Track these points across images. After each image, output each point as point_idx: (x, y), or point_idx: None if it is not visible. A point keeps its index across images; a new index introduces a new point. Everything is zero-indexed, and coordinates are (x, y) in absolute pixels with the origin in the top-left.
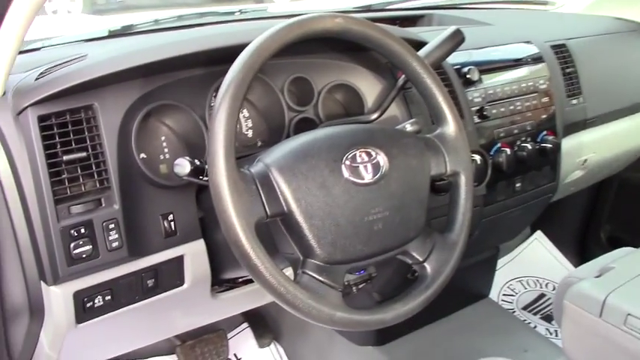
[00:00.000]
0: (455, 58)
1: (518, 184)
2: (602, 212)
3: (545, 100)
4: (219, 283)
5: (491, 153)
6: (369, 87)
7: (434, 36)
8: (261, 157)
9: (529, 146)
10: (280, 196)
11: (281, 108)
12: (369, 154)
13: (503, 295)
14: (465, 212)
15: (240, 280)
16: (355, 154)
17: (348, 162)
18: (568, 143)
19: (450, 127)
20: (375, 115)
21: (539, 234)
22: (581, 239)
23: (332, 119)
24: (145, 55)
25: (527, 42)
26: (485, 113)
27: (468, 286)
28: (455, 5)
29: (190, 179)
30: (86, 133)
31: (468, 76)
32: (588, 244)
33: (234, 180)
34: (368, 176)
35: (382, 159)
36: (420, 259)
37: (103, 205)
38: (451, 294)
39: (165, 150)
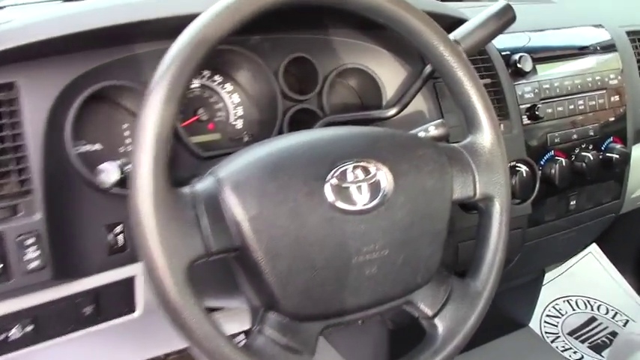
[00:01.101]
0: (503, 42)
1: (573, 202)
2: None
3: (615, 98)
4: None
5: (542, 162)
6: (390, 74)
7: (477, 12)
8: (214, 168)
9: (590, 156)
10: (233, 225)
11: (274, 95)
12: (366, 171)
13: (547, 316)
14: (496, 252)
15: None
16: (346, 169)
17: (334, 180)
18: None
19: (485, 135)
20: (393, 111)
21: (594, 247)
22: None
23: (341, 112)
24: (87, 20)
25: (598, 25)
26: (537, 113)
27: (504, 313)
28: None
29: (119, 192)
30: (3, 119)
31: (518, 65)
32: None
33: (162, 203)
34: (362, 200)
35: (384, 177)
36: (430, 314)
37: (21, 213)
38: (484, 320)
39: (128, 141)
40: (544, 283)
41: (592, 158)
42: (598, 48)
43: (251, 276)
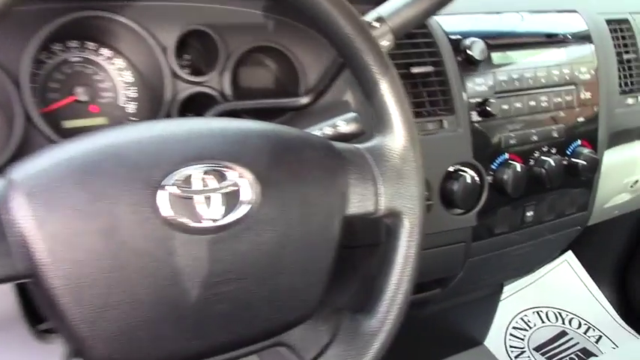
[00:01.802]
0: (453, 23)
1: (530, 212)
2: None
3: (585, 96)
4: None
5: (494, 167)
6: (312, 56)
7: None
8: (10, 168)
9: (552, 161)
10: (21, 245)
11: (160, 75)
12: (221, 177)
13: (514, 328)
14: (400, 283)
15: None
16: (192, 174)
17: (173, 189)
18: (613, 158)
19: (395, 136)
20: (305, 100)
21: (570, 255)
22: (622, 269)
23: (251, 99)
24: None
25: (571, 11)
26: (489, 109)
27: (457, 330)
28: None
29: None
30: None
31: (469, 52)
32: (630, 276)
33: None
34: (212, 216)
35: (247, 187)
36: (307, 359)
37: None
38: (434, 338)
39: None
40: (514, 292)
41: (554, 164)
42: (569, 37)
43: (50, 310)
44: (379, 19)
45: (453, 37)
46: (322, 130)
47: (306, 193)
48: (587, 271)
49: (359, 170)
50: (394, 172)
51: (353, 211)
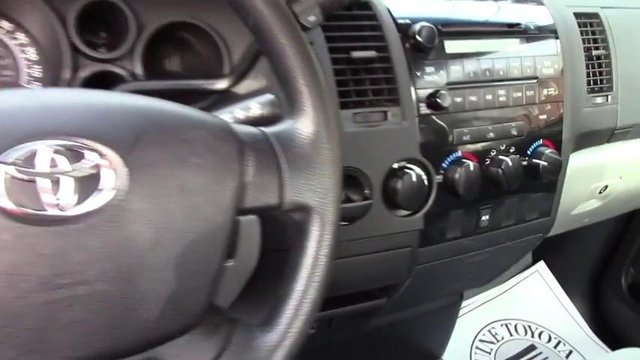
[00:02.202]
0: (402, 7)
1: (485, 217)
2: (628, 251)
3: (548, 92)
4: None
5: (444, 165)
6: (238, 34)
7: None
8: None
9: (509, 161)
10: None
11: (60, 50)
12: (77, 157)
13: (481, 341)
14: (306, 290)
15: None
16: (37, 152)
17: (10, 168)
18: (580, 160)
19: (307, 119)
20: (224, 83)
21: (541, 265)
22: (595, 280)
23: (168, 80)
24: None
25: (537, 1)
26: (439, 101)
27: (413, 343)
28: None
29: None
30: None
31: (417, 37)
32: (603, 288)
33: None
34: (61, 203)
35: (111, 170)
36: None
37: None
38: (385, 352)
39: None
40: (481, 303)
41: (511, 164)
42: (532, 28)
43: None
44: None
45: (401, 21)
46: (233, 113)
47: (187, 180)
48: (559, 281)
49: (260, 156)
50: (304, 160)
51: (250, 203)
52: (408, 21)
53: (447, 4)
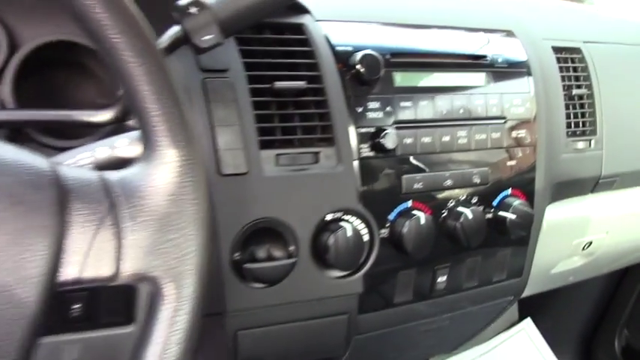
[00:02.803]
0: (344, 33)
1: (442, 278)
2: (621, 311)
3: (519, 134)
4: None
5: (391, 217)
6: None
7: None
8: None
9: (469, 213)
10: None
11: None
12: None
13: None
14: None
15: None
16: None
17: None
18: (559, 213)
19: (162, 163)
20: (107, 115)
21: (528, 323)
22: (587, 341)
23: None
24: None
25: (507, 32)
26: (384, 142)
27: None
28: None
29: None
30: None
31: (359, 67)
32: (595, 349)
33: None
34: None
35: None
36: None
37: None
38: None
39: None
40: None
41: (472, 217)
42: (500, 61)
43: None
44: (197, 4)
45: (340, 48)
46: (94, 151)
47: None
48: (547, 341)
49: (90, 211)
50: (154, 215)
51: (70, 275)
52: (349, 48)
53: (400, 30)
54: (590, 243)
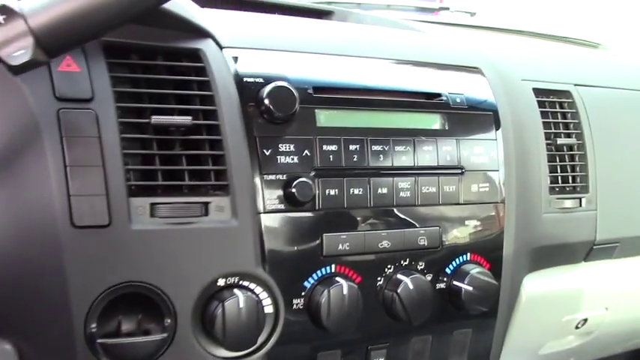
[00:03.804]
0: (257, 62)
1: None
2: None
3: (481, 188)
4: None
5: (306, 285)
6: None
7: None
8: None
9: (409, 283)
10: None
11: None
12: None
13: None
14: None
15: None
16: None
17: None
18: (542, 284)
19: None
20: None
21: None
22: None
23: None
24: None
25: (472, 70)
26: (296, 193)
27: None
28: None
29: None
30: None
31: (267, 103)
32: None
33: None
34: None
35: None
36: None
37: None
38: None
39: None
40: None
41: (412, 287)
42: (457, 101)
43: None
44: (4, 10)
45: (248, 79)
46: None
47: None
48: None
49: None
50: None
51: None
52: (259, 79)
53: (328, 60)
54: (586, 320)
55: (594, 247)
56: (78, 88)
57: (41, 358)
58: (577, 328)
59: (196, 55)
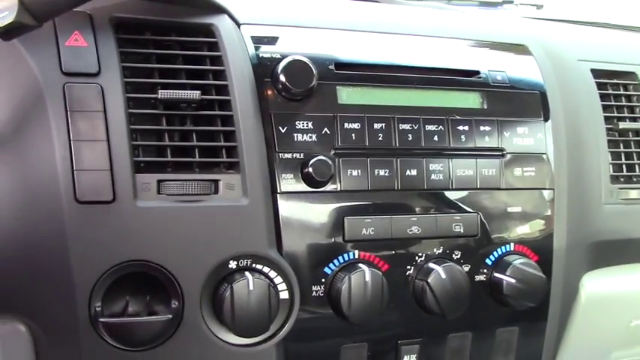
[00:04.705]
0: (273, 37)
1: (408, 359)
2: None
3: (526, 172)
4: None
5: (327, 271)
6: None
7: None
8: None
9: (441, 272)
10: None
11: None
12: None
13: None
14: None
15: None
16: None
17: None
18: (606, 284)
19: None
20: None
21: None
22: None
23: None
24: None
25: (518, 48)
26: (313, 173)
27: None
28: None
29: None
30: None
31: (282, 78)
32: None
33: None
34: None
35: None
36: None
37: None
38: None
39: None
40: None
41: (445, 276)
42: (499, 79)
43: None
44: None
45: (265, 54)
46: None
47: None
48: None
49: None
50: None
51: None
52: (276, 55)
53: (352, 36)
54: None
55: None
56: (85, 63)
57: (49, 337)
58: None
59: (209, 31)
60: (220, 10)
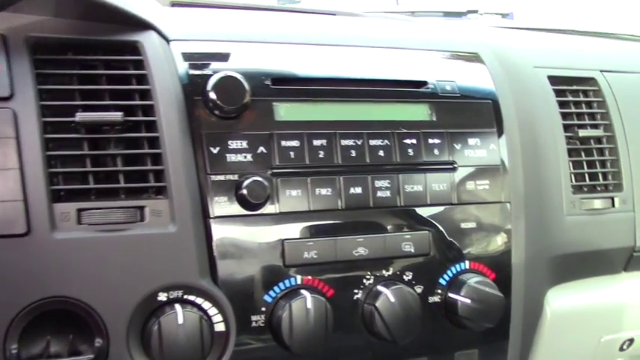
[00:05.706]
0: (206, 57)
1: None
2: None
3: (479, 186)
4: None
5: (267, 298)
6: None
7: None
8: None
9: (389, 295)
10: None
11: None
12: None
13: None
14: None
15: None
16: None
17: None
18: (574, 299)
19: None
20: None
21: None
22: None
23: None
24: None
25: (469, 56)
26: (247, 195)
27: None
28: None
29: None
30: None
31: (211, 94)
32: None
33: None
34: None
35: None
36: None
37: None
38: None
39: None
40: None
41: (394, 299)
42: (448, 89)
43: None
44: None
45: (195, 72)
46: None
47: None
48: None
49: None
50: None
51: None
52: (207, 72)
53: (290, 50)
54: (632, 340)
55: (634, 253)
56: None
57: None
58: (622, 350)
59: (135, 48)
60: (147, 26)
